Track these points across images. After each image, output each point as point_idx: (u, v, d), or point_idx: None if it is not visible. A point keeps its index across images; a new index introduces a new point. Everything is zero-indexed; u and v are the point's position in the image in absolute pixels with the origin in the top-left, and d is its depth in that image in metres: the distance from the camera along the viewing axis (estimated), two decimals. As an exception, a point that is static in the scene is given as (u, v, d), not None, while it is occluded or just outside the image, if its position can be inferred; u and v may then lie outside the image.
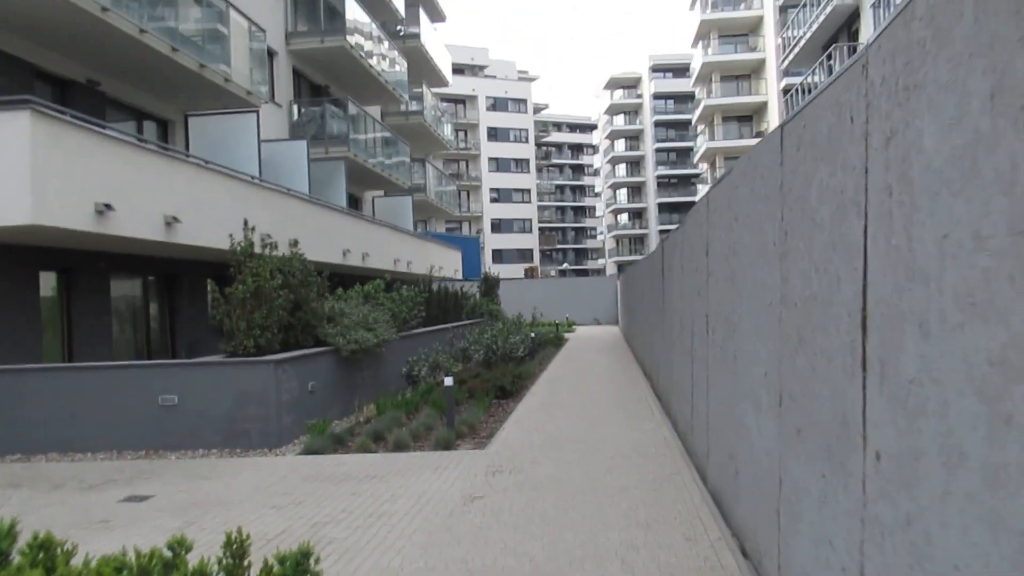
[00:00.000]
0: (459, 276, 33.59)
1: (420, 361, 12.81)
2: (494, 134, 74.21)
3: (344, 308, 10.98)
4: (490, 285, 26.21)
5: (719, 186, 5.50)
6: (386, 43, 25.62)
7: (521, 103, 76.10)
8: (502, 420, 10.15)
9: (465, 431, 9.11)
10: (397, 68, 26.63)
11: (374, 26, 23.62)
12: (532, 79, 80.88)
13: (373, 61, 23.83)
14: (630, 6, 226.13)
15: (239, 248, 9.15)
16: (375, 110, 27.42)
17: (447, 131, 34.81)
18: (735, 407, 4.72)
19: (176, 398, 8.74)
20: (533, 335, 18.64)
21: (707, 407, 5.85)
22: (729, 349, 4.98)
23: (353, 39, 21.24)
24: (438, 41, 34.15)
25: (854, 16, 27.50)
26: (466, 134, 73.60)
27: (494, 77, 75.34)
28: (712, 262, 5.76)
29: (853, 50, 26.98)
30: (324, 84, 23.43)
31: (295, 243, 10.94)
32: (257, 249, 10.32)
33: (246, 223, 9.26)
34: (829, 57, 28.81)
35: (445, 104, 71.90)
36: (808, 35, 30.66)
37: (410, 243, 25.49)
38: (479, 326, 19.84)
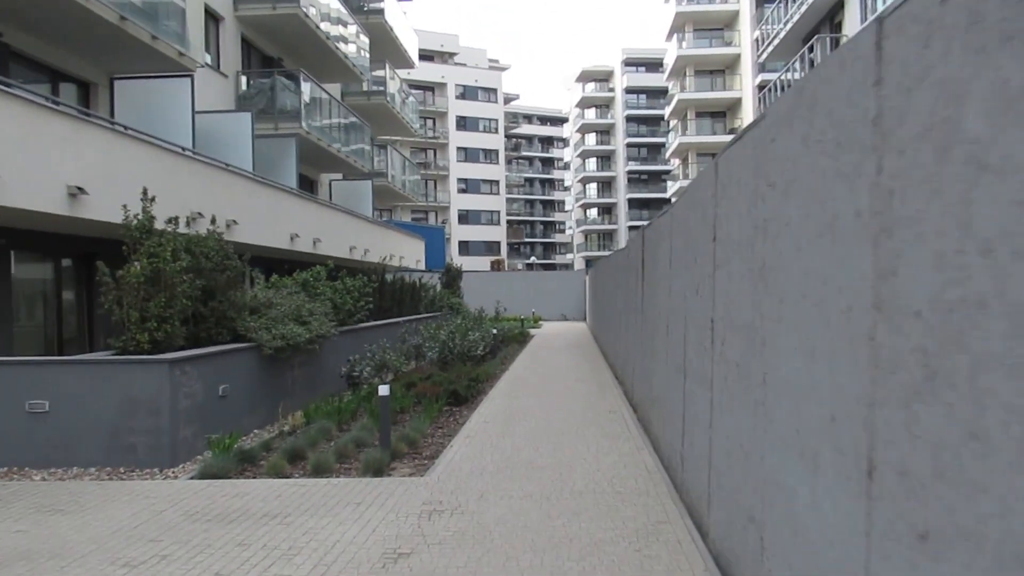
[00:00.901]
0: (421, 267, 32.01)
1: (364, 360, 11.27)
2: (463, 123, 72.56)
3: (273, 298, 9.43)
4: (452, 276, 24.70)
5: (737, 146, 4.10)
6: (347, 17, 23.93)
7: (491, 92, 74.51)
8: (451, 434, 8.71)
9: (404, 449, 7.61)
10: (358, 45, 24.96)
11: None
12: (503, 68, 79.30)
13: (332, 34, 22.15)
14: (603, 6, 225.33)
15: (135, 223, 7.48)
16: (335, 89, 25.73)
17: (412, 115, 33.18)
18: (764, 455, 3.33)
19: (47, 404, 7.12)
20: (495, 331, 17.21)
21: (709, 440, 4.49)
22: (752, 370, 3.59)
23: (309, 8, 19.55)
24: (405, 23, 32.48)
25: (837, 7, 26.41)
26: (434, 122, 71.87)
27: (464, 65, 73.66)
28: (723, 250, 4.37)
29: (836, 42, 25.90)
30: (277, 56, 21.72)
31: (213, 221, 9.32)
32: (181, 227, 8.72)
33: (145, 192, 7.63)
34: (811, 50, 27.74)
35: (414, 91, 70.22)
36: (788, 27, 29.55)
37: (368, 230, 23.88)
38: (438, 320, 18.34)
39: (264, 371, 9.13)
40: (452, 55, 74.17)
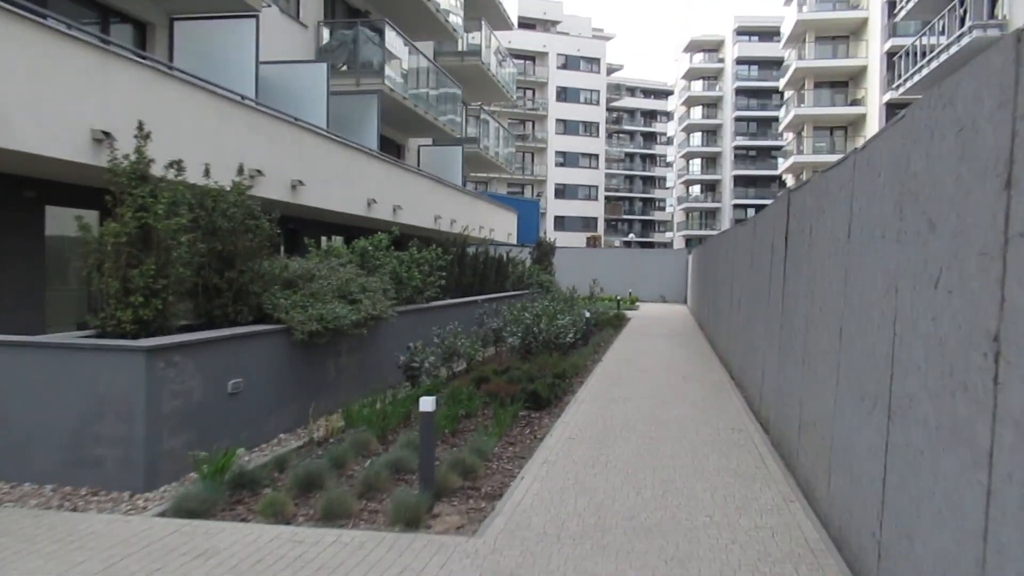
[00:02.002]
0: (513, 241, 30.23)
1: (428, 347, 9.41)
2: (563, 94, 70.15)
3: (316, 269, 7.75)
4: (544, 252, 22.80)
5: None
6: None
7: (594, 63, 71.73)
8: (524, 455, 6.76)
9: (456, 482, 5.67)
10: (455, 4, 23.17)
11: (425, -58, 20.16)
12: (608, 38, 76.31)
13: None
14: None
15: (125, 166, 5.78)
16: (427, 47, 24.04)
17: (510, 81, 31.24)
18: None
19: (-8, 396, 5.71)
20: (588, 314, 15.22)
21: (979, 561, 2.45)
22: None
23: (395, -51, 17.84)
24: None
25: (999, -48, 22.81)
26: (534, 93, 69.81)
27: (567, 34, 71.11)
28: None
29: (996, -7, 22.42)
30: (364, 9, 20.13)
31: (240, 171, 7.65)
32: (204, 179, 7.10)
33: (140, 127, 5.95)
34: (954, 10, 24.21)
35: (514, 60, 68.27)
36: (935, -21, 25.94)
37: (456, 199, 22.21)
38: (524, 300, 16.47)
39: (295, 361, 7.52)
40: (555, 23, 71.75)
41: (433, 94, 22.41)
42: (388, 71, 18.40)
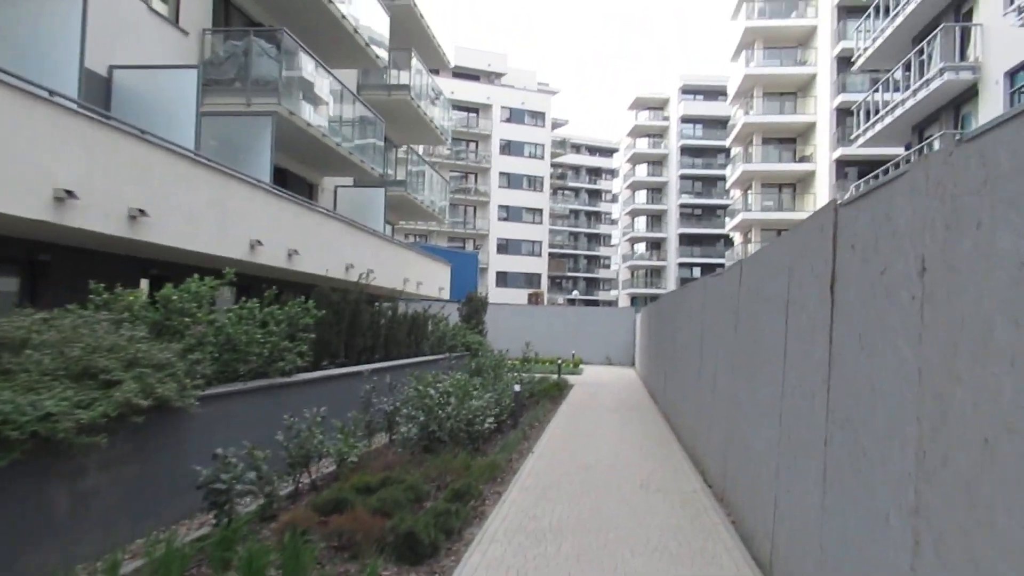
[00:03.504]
0: (445, 296, 27.24)
1: (257, 451, 5.94)
2: (507, 147, 68.27)
3: (40, 330, 4.62)
4: (474, 308, 19.85)
5: None
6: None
7: (539, 116, 70.25)
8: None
9: None
10: (375, 23, 20.54)
11: (340, -50, 17.53)
12: (553, 92, 75.12)
13: (343, 6, 17.75)
14: (661, 27, 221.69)
15: None
16: (348, 76, 21.25)
17: (444, 120, 28.66)
18: None
19: None
20: (518, 388, 12.19)
21: None
22: None
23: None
24: (442, 17, 28.08)
25: (968, -10, 21.25)
26: (477, 145, 67.80)
27: (512, 87, 69.60)
28: None
29: (964, 34, 20.75)
30: (269, 25, 17.28)
31: None
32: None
33: None
34: (921, 53, 22.58)
35: (456, 111, 66.24)
36: (895, 24, 24.41)
37: (376, 247, 19.21)
38: (444, 366, 13.40)
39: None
40: (499, 76, 70.26)
41: (349, 127, 19.58)
42: (291, 92, 15.51)
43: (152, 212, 9.88)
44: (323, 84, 17.76)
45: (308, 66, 16.74)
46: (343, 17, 17.75)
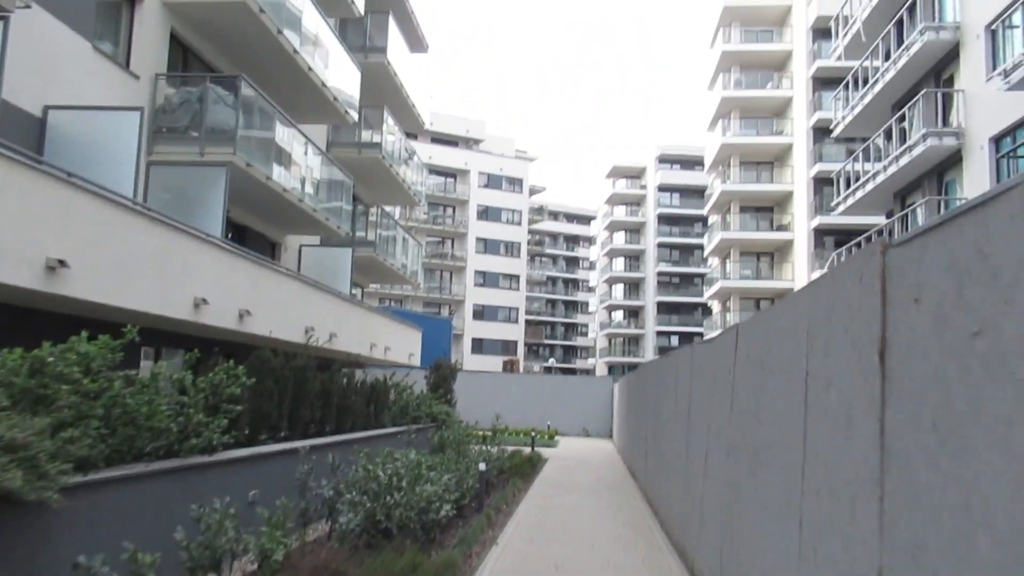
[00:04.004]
0: (416, 362, 26.06)
1: (141, 555, 4.66)
2: (485, 213, 67.98)
3: None
4: (442, 376, 18.66)
5: None
6: (334, 42, 18.93)
7: (517, 183, 70.27)
8: None
9: None
10: (346, 79, 19.88)
11: (311, 4, 16.91)
12: (531, 159, 75.36)
13: (310, 59, 17.06)
14: (636, 95, 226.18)
15: None
16: (317, 133, 20.44)
17: (417, 181, 27.91)
18: None
19: None
20: (484, 466, 10.94)
21: None
22: None
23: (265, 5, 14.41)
24: (418, 79, 27.65)
25: (947, 59, 21.05)
26: (454, 210, 67.46)
27: (489, 153, 69.73)
28: None
29: (947, 100, 20.45)
30: (230, 75, 16.45)
31: None
32: None
33: None
34: (902, 119, 22.30)
35: (434, 176, 65.96)
36: (874, 92, 24.23)
37: (340, 310, 18.10)
38: (404, 440, 12.17)
39: None
40: (477, 142, 70.45)
41: (316, 184, 18.68)
42: (249, 143, 14.61)
43: (75, 263, 8.78)
44: (286, 137, 16.91)
45: (269, 117, 15.90)
46: (309, 69, 17.02)
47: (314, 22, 17.37)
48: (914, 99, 21.31)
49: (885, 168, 22.88)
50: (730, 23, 47.64)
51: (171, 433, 5.87)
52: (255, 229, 18.21)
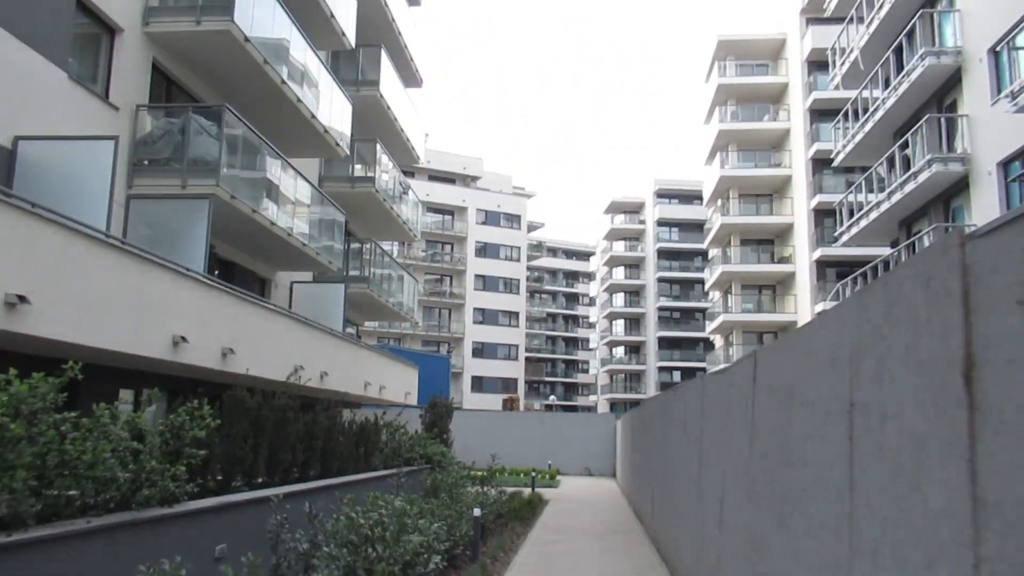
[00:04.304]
0: (412, 401, 25.29)
1: None
2: (483, 250, 67.50)
3: None
4: (438, 414, 17.93)
5: None
6: (324, 74, 18.57)
7: (515, 219, 69.95)
8: None
9: None
10: (337, 111, 19.47)
11: (296, 31, 16.53)
12: (529, 195, 75.22)
13: (299, 89, 16.67)
14: (635, 132, 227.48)
15: None
16: (309, 167, 19.95)
17: (413, 216, 27.42)
18: None
19: None
20: (479, 512, 10.18)
21: None
22: None
23: (247, 25, 14.00)
24: (414, 115, 27.34)
25: (950, 84, 20.69)
26: (452, 247, 67.02)
27: (487, 190, 69.53)
28: None
29: (950, 125, 20.02)
30: (216, 106, 16.00)
31: None
32: None
33: None
34: (904, 147, 21.89)
35: (431, 214, 65.65)
36: (876, 119, 23.87)
37: (331, 347, 17.47)
38: (393, 483, 11.42)
39: None
40: (475, 179, 70.30)
41: (307, 218, 18.17)
42: (234, 175, 14.12)
43: (37, 299, 8.18)
44: (274, 170, 16.43)
45: (255, 148, 15.43)
46: (298, 100, 16.59)
47: (302, 53, 17.00)
48: (917, 125, 20.90)
49: (889, 196, 22.41)
50: (725, 57, 47.68)
51: (119, 483, 5.20)
52: (243, 265, 17.64)
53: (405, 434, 14.45)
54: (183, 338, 10.97)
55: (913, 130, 20.89)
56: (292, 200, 17.12)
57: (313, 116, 17.46)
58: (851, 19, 25.68)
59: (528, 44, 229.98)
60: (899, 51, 22.48)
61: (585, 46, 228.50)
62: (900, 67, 22.49)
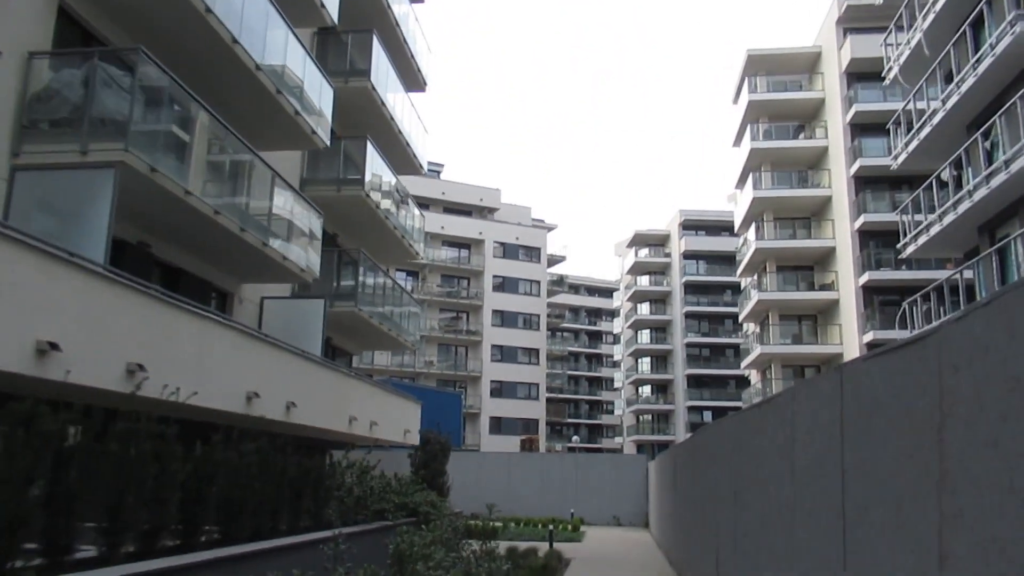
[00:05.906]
0: (414, 441, 21.76)
1: None
2: (501, 284, 64.18)
3: None
4: (431, 454, 14.44)
5: None
6: (295, 44, 15.57)
7: (534, 252, 66.71)
8: None
9: None
10: (313, 91, 16.45)
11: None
12: (549, 228, 72.12)
13: (258, 56, 13.69)
14: (657, 162, 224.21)
15: None
16: (291, 167, 16.79)
17: (414, 228, 24.21)
18: None
19: None
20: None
21: None
22: None
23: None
24: (414, 120, 24.40)
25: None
26: (469, 282, 63.84)
27: (506, 222, 66.50)
28: None
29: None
30: (127, 48, 12.80)
31: None
32: None
33: None
34: (986, 135, 18.46)
35: (447, 247, 62.67)
36: (944, 111, 20.46)
37: (300, 371, 14.12)
38: (323, 554, 7.94)
39: None
40: (492, 211, 67.37)
41: (274, 216, 15.00)
42: (154, 140, 11.01)
43: None
44: (224, 148, 13.33)
45: (188, 112, 12.30)
46: (257, 68, 13.54)
47: (262, 11, 13.99)
48: (1003, 107, 17.48)
49: (970, 193, 18.87)
50: (755, 73, 44.57)
51: None
52: (195, 273, 14.40)
53: (376, 478, 11.00)
54: (53, 345, 7.72)
55: (1001, 112, 17.45)
56: (247, 190, 13.98)
57: (278, 91, 14.41)
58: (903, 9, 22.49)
59: (526, 29, 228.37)
60: (975, 25, 19.17)
61: (583, 31, 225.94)
62: (977, 46, 19.18)
